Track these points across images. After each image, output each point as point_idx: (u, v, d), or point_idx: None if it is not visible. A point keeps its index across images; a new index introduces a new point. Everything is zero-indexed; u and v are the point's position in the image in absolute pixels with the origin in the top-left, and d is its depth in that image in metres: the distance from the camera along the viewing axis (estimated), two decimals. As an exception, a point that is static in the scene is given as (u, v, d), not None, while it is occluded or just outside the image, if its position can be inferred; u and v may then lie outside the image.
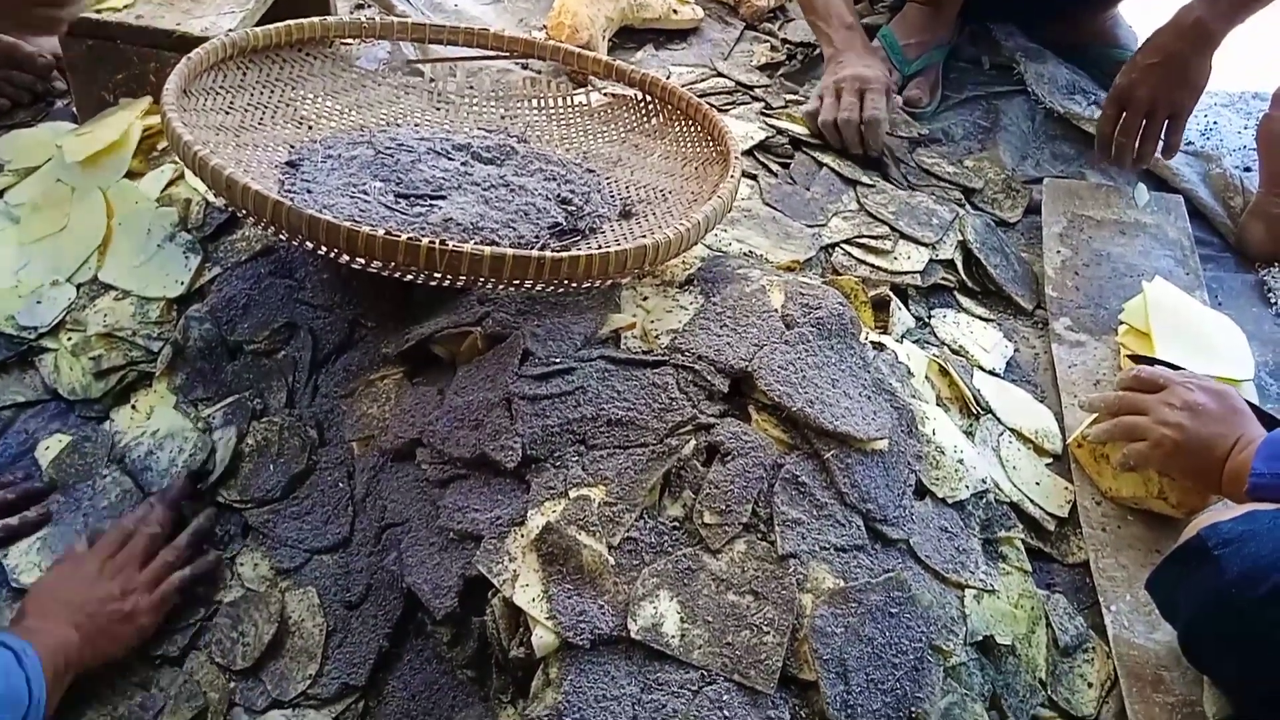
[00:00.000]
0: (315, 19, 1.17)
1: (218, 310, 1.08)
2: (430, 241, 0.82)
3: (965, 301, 1.23)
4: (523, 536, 0.82)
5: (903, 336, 1.12)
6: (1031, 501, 1.00)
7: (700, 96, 1.24)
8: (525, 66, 1.50)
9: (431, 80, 1.29)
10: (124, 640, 0.87)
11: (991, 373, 1.13)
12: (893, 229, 1.26)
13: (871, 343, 1.01)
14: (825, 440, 0.87)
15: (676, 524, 0.83)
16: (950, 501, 0.92)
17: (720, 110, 1.28)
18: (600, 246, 0.99)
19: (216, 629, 0.90)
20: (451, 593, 0.83)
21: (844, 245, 1.23)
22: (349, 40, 1.22)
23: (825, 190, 1.31)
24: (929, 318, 1.19)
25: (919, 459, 0.93)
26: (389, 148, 1.09)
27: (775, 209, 1.26)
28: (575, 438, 0.86)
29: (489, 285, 0.90)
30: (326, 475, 0.97)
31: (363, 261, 0.85)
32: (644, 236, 0.99)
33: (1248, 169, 1.49)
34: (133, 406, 1.05)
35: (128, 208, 1.17)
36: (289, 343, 1.05)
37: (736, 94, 1.52)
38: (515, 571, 0.80)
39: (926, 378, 1.05)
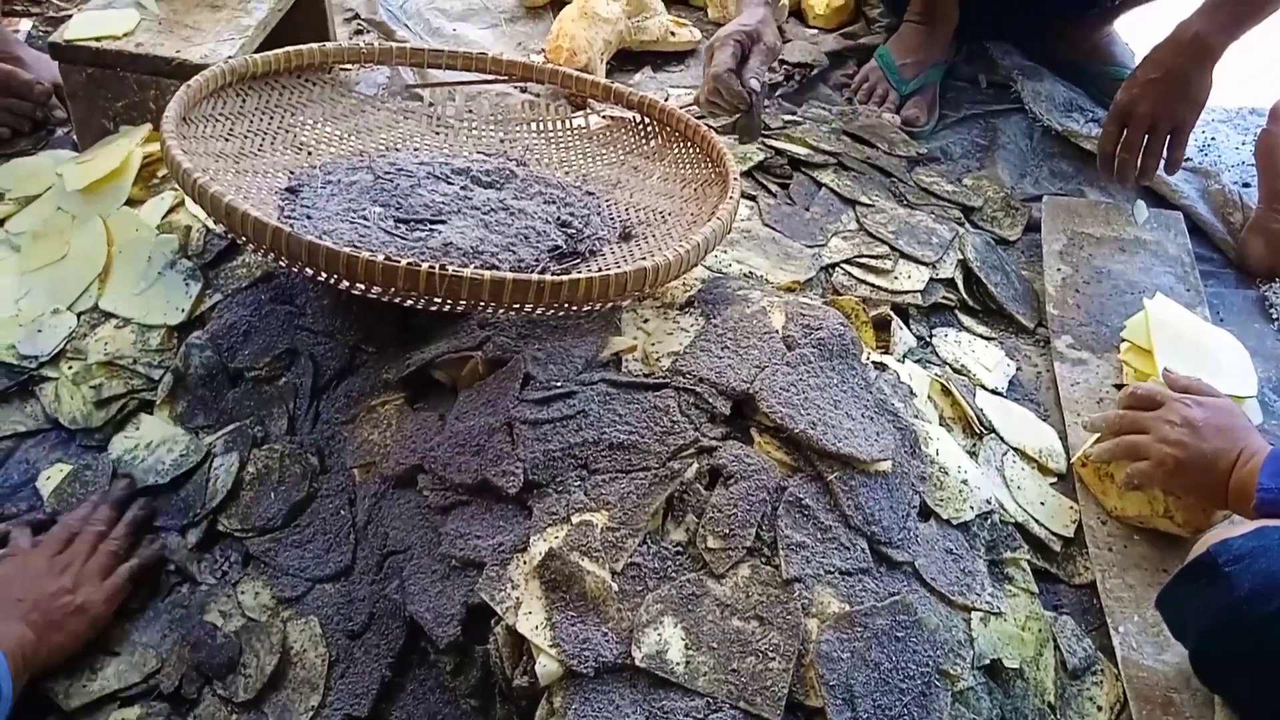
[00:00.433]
0: (314, 45, 1.17)
1: (218, 337, 1.07)
2: (430, 266, 0.81)
3: (966, 320, 1.23)
4: (525, 563, 0.81)
5: (904, 356, 1.12)
6: (1037, 522, 1.00)
7: (698, 118, 1.24)
8: (524, 90, 1.51)
9: (430, 105, 1.29)
10: (78, 633, 0.87)
11: (994, 392, 1.13)
12: (893, 248, 1.26)
13: (873, 363, 1.01)
14: (828, 462, 0.86)
15: (680, 549, 0.82)
16: (955, 523, 0.92)
17: (718, 132, 1.28)
18: (600, 269, 0.99)
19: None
20: (454, 621, 0.82)
21: (844, 265, 1.23)
22: (348, 66, 1.22)
23: (824, 210, 1.32)
24: (930, 337, 1.18)
25: (923, 480, 0.92)
26: (388, 173, 1.09)
27: (775, 230, 1.26)
28: (577, 462, 0.86)
29: (489, 309, 0.90)
30: (328, 503, 0.97)
31: (363, 287, 0.85)
32: (644, 259, 0.99)
33: (1246, 185, 1.49)
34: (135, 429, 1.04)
35: (128, 235, 1.17)
36: (290, 369, 1.05)
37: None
38: (518, 599, 0.79)
39: (929, 398, 1.05)
